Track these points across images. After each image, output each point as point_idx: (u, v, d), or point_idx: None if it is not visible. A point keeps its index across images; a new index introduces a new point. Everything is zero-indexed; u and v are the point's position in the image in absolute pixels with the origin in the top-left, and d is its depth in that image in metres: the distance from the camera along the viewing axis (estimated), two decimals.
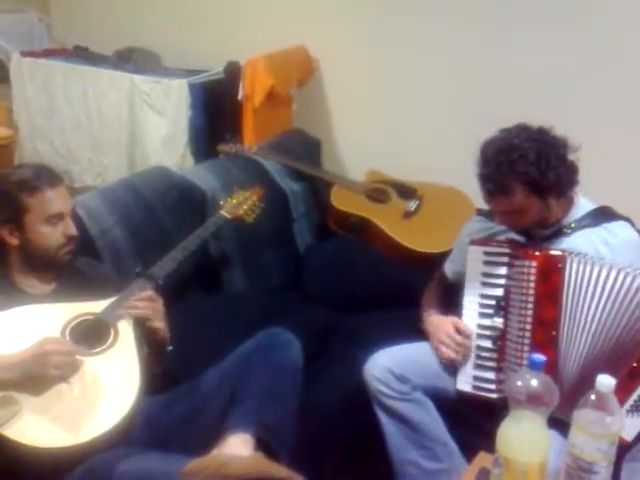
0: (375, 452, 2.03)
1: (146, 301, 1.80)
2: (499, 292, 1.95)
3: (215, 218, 2.33)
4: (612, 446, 1.33)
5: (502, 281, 1.94)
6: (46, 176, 1.80)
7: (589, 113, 2.81)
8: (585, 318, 1.79)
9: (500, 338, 1.92)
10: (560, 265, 1.84)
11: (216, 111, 3.26)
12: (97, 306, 1.79)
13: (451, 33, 3.06)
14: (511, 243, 1.97)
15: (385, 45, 3.23)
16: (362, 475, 2.15)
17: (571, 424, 1.35)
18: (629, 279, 1.74)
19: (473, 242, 2.04)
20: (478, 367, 1.95)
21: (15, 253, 1.82)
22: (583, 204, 1.96)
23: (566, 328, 1.82)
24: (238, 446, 1.63)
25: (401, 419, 1.96)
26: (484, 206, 1.99)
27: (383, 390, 1.95)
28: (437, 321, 2.08)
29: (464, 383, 1.96)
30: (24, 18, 4.13)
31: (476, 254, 2.01)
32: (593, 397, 1.33)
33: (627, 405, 1.65)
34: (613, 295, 1.76)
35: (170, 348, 1.89)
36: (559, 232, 1.94)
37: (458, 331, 1.99)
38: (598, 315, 1.78)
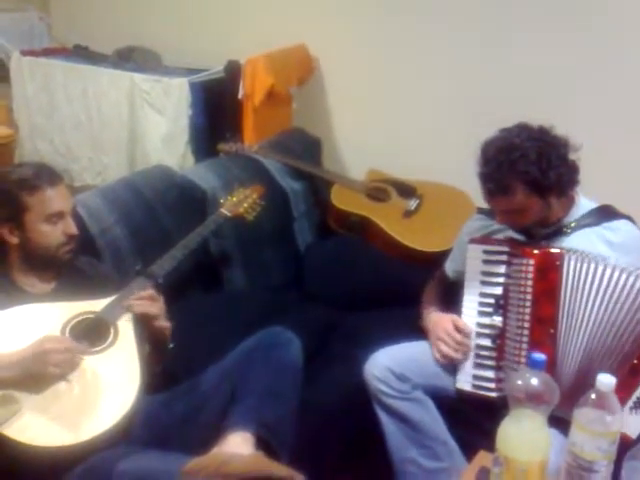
0: (375, 451, 2.03)
1: (146, 300, 1.80)
2: (498, 290, 1.95)
3: (215, 216, 2.33)
4: (612, 445, 1.33)
5: (501, 279, 1.95)
6: (46, 175, 1.80)
7: (589, 113, 2.81)
8: (583, 315, 1.80)
9: (499, 336, 1.92)
10: (558, 263, 1.84)
11: (216, 110, 3.26)
12: (97, 305, 1.79)
13: (451, 33, 3.06)
14: (510, 241, 1.97)
15: (385, 44, 3.23)
16: (362, 474, 2.16)
17: (571, 423, 1.36)
18: (625, 276, 1.75)
19: (472, 241, 2.04)
20: (478, 366, 1.95)
21: (15, 252, 1.82)
22: (584, 203, 1.96)
23: (564, 326, 1.82)
24: (238, 445, 1.63)
25: (401, 418, 1.96)
26: (484, 205, 1.99)
27: (383, 389, 1.95)
28: (436, 318, 2.08)
29: (464, 382, 1.96)
30: (24, 17, 4.13)
31: (475, 253, 2.02)
32: (593, 396, 1.33)
33: (630, 402, 1.65)
34: (609, 292, 1.77)
35: (171, 346, 1.89)
36: (559, 231, 1.94)
37: (457, 329, 1.99)
38: (595, 312, 1.78)
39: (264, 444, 1.67)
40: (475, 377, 1.95)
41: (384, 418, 1.98)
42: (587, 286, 1.80)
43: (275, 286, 2.71)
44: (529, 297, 1.86)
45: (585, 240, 1.90)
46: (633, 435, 1.60)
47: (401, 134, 3.30)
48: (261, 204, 2.47)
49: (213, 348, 1.95)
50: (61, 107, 3.60)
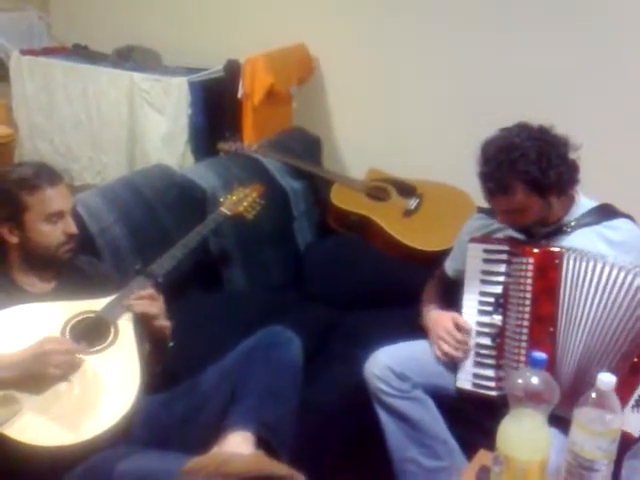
0: (375, 450, 2.03)
1: (146, 299, 1.80)
2: (498, 289, 1.95)
3: (215, 215, 2.33)
4: (612, 444, 1.33)
5: (501, 278, 1.95)
6: (46, 174, 1.80)
7: (589, 113, 2.81)
8: (582, 314, 1.81)
9: (499, 335, 1.93)
10: (557, 261, 1.85)
11: (216, 109, 3.26)
12: (97, 304, 1.79)
13: (451, 33, 3.06)
14: (510, 240, 1.97)
15: (385, 44, 3.23)
16: (362, 473, 2.16)
17: (571, 422, 1.36)
18: (623, 274, 1.76)
19: (473, 240, 2.05)
20: (478, 365, 1.95)
21: (15, 251, 1.82)
22: (584, 202, 1.96)
23: (563, 324, 1.83)
24: (238, 444, 1.63)
25: (401, 417, 1.96)
26: (484, 204, 1.99)
27: (383, 388, 1.95)
28: (436, 316, 2.08)
29: (464, 381, 1.96)
30: (24, 16, 4.13)
31: (475, 252, 2.02)
32: (593, 395, 1.33)
33: (632, 400, 1.66)
34: (608, 290, 1.78)
35: (171, 344, 1.89)
36: (559, 230, 1.94)
37: (458, 327, 1.99)
38: (594, 310, 1.79)
39: (264, 444, 1.67)
40: (475, 376, 1.95)
41: (384, 417, 1.98)
42: (586, 284, 1.81)
43: (275, 286, 2.71)
44: (529, 296, 1.87)
45: (585, 239, 1.91)
46: (635, 433, 1.61)
47: (401, 133, 3.30)
48: (261, 203, 2.47)
49: (213, 348, 1.95)
50: (61, 106, 3.59)
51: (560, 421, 1.49)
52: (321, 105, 3.50)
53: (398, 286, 2.56)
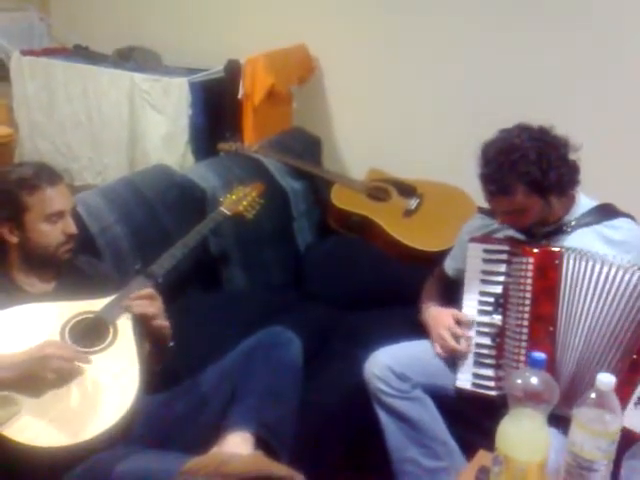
0: (375, 450, 2.03)
1: (146, 299, 1.80)
2: (498, 289, 1.95)
3: (215, 214, 2.33)
4: (612, 444, 1.33)
5: (501, 278, 1.95)
6: (46, 174, 1.80)
7: (589, 112, 2.81)
8: (581, 313, 1.81)
9: (499, 335, 1.93)
10: (557, 261, 1.85)
11: (216, 109, 3.26)
12: (97, 304, 1.79)
13: (451, 33, 3.06)
14: (510, 240, 1.97)
15: (385, 44, 3.23)
16: (362, 473, 2.16)
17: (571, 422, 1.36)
18: (621, 272, 1.77)
19: (473, 240, 2.05)
20: (477, 364, 1.96)
21: (15, 251, 1.82)
22: (584, 202, 1.97)
23: (563, 324, 1.83)
24: (238, 444, 1.63)
25: (401, 417, 1.96)
26: (484, 204, 1.99)
27: (383, 388, 1.96)
28: (435, 313, 2.09)
29: (464, 381, 1.97)
30: (24, 17, 4.13)
31: (476, 252, 2.02)
32: (593, 395, 1.33)
33: (634, 397, 1.66)
34: (606, 289, 1.79)
35: (171, 344, 1.89)
36: (560, 230, 1.94)
37: (458, 322, 1.99)
38: (593, 310, 1.80)
39: (264, 444, 1.68)
40: (475, 376, 1.95)
41: (384, 417, 1.98)
42: (586, 284, 1.81)
43: (275, 286, 2.71)
44: (529, 295, 1.87)
45: (585, 238, 1.91)
46: (638, 430, 1.61)
47: (401, 134, 3.30)
48: (260, 202, 2.47)
49: (213, 348, 1.95)
50: (61, 107, 3.60)
51: (560, 421, 1.49)
52: (321, 105, 3.50)
53: (398, 286, 2.56)
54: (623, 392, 1.60)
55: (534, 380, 1.37)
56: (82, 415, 1.58)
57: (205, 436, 1.67)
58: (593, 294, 1.80)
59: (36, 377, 1.56)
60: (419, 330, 2.12)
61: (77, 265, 1.93)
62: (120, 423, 1.59)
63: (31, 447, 1.50)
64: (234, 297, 2.54)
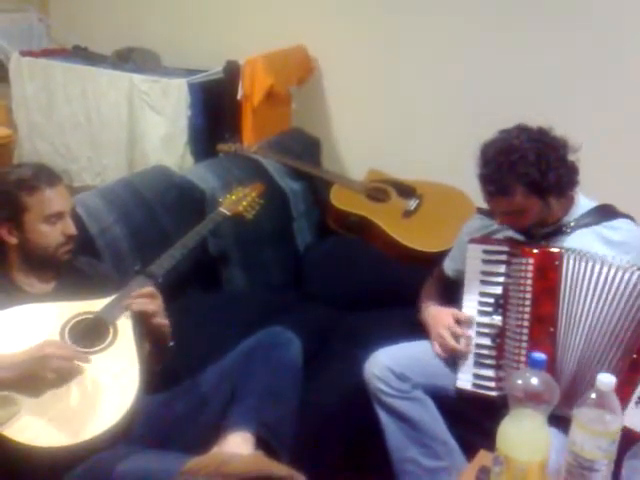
0: (375, 450, 2.03)
1: (146, 297, 1.80)
2: (498, 290, 1.95)
3: (214, 215, 2.32)
4: (612, 444, 1.33)
5: (501, 279, 1.95)
6: (45, 175, 1.80)
7: (589, 112, 2.81)
8: (581, 314, 1.81)
9: (499, 336, 1.93)
10: (557, 262, 1.85)
11: (215, 110, 3.26)
12: (96, 305, 1.79)
13: (451, 33, 3.06)
14: (510, 241, 1.98)
15: (384, 44, 3.23)
16: (362, 473, 2.16)
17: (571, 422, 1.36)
18: (621, 272, 1.77)
19: (472, 241, 2.05)
20: (478, 365, 1.96)
21: (14, 252, 1.82)
22: (583, 203, 1.97)
23: (563, 324, 1.83)
24: (238, 444, 1.63)
25: (401, 417, 1.96)
26: (484, 205, 1.99)
27: (383, 388, 1.96)
28: (435, 312, 2.09)
29: (464, 381, 1.97)
30: (24, 18, 4.12)
31: (475, 252, 2.02)
32: (593, 395, 1.33)
33: (635, 397, 1.66)
34: (606, 290, 1.79)
35: (171, 344, 1.89)
36: (559, 231, 1.94)
37: (458, 322, 1.99)
38: (593, 310, 1.80)
39: (264, 444, 1.68)
40: (475, 376, 1.95)
41: (384, 417, 1.98)
42: (585, 285, 1.82)
43: (274, 286, 2.71)
44: (529, 296, 1.87)
45: (585, 239, 1.91)
46: (639, 429, 1.61)
47: (401, 134, 3.30)
48: (260, 202, 2.46)
49: (213, 348, 1.95)
50: (60, 108, 3.60)
51: (560, 421, 1.49)
52: (320, 106, 3.50)
53: (398, 287, 2.56)
54: (623, 392, 1.60)
55: (534, 380, 1.37)
56: (82, 415, 1.58)
57: (205, 436, 1.67)
58: (593, 294, 1.80)
59: (36, 377, 1.56)
60: (419, 330, 2.12)
61: (77, 266, 1.93)
62: (120, 423, 1.59)
63: (31, 447, 1.50)
64: (234, 297, 2.54)
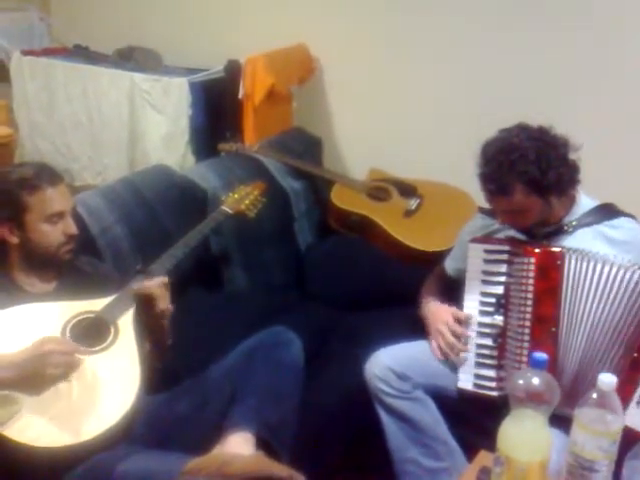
0: (375, 450, 2.03)
1: (155, 283, 1.79)
2: (499, 290, 1.95)
3: (216, 213, 2.32)
4: (613, 444, 1.33)
5: (502, 279, 1.95)
6: (46, 175, 1.80)
7: (589, 112, 2.80)
8: (583, 314, 1.81)
9: (500, 335, 1.93)
10: (559, 262, 1.85)
11: (216, 110, 3.25)
12: (97, 304, 1.79)
13: (452, 32, 3.05)
14: (511, 241, 1.97)
15: (386, 44, 3.23)
16: (362, 473, 2.16)
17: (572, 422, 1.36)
18: (622, 271, 1.78)
19: (473, 240, 2.05)
20: (479, 365, 1.95)
21: (15, 251, 1.82)
22: (585, 202, 1.97)
23: (565, 324, 1.83)
24: (239, 445, 1.63)
25: (401, 417, 1.96)
26: (485, 204, 1.99)
27: (384, 388, 1.95)
28: (434, 308, 2.09)
29: (465, 381, 1.96)
30: (24, 17, 4.12)
31: (476, 252, 2.02)
32: (594, 395, 1.33)
33: (636, 396, 1.66)
34: (608, 289, 1.79)
35: (170, 342, 1.88)
36: (560, 230, 1.94)
37: (457, 321, 1.99)
38: (594, 310, 1.80)
39: (265, 444, 1.68)
40: (476, 376, 1.95)
41: (384, 418, 1.98)
42: (587, 284, 1.82)
43: (275, 286, 2.70)
44: (530, 296, 1.87)
45: (586, 238, 1.91)
46: None
47: (402, 134, 3.29)
48: (262, 201, 2.46)
49: (213, 348, 1.95)
50: (61, 107, 3.59)
51: (561, 421, 1.49)
52: (322, 105, 3.50)
53: (399, 286, 2.55)
54: (625, 391, 1.60)
55: (536, 381, 1.37)
56: (83, 415, 1.59)
57: (206, 436, 1.67)
58: (595, 294, 1.80)
59: (37, 375, 1.56)
60: (419, 330, 2.12)
61: (78, 265, 1.93)
62: (121, 423, 1.59)
63: (32, 447, 1.51)
64: (235, 297, 2.54)
